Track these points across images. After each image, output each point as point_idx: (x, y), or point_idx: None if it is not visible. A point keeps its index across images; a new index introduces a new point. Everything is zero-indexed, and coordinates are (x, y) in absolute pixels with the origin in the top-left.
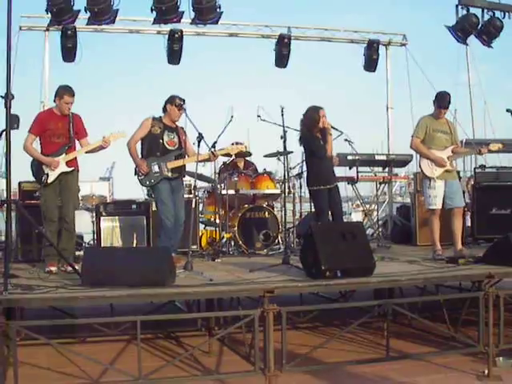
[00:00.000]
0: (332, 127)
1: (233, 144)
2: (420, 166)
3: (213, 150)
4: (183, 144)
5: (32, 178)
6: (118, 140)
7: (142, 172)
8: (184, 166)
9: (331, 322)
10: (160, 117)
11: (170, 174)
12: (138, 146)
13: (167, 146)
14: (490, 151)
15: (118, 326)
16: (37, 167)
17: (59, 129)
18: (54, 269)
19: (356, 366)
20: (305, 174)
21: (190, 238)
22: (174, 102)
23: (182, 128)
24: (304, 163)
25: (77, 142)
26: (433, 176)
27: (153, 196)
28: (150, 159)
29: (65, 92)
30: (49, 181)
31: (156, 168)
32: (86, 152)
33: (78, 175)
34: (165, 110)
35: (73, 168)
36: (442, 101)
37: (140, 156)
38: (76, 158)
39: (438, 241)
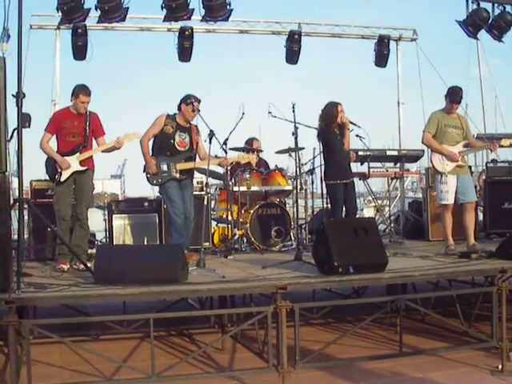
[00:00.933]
0: (350, 122)
1: (248, 141)
2: (431, 161)
3: (223, 153)
4: (194, 145)
5: (43, 177)
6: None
7: (150, 171)
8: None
9: (344, 318)
10: (174, 114)
11: (178, 176)
12: (150, 142)
13: (178, 146)
14: (501, 147)
15: (131, 323)
16: (51, 165)
17: (75, 127)
18: (65, 267)
19: (369, 362)
20: (316, 170)
21: (202, 235)
22: (189, 103)
23: (196, 126)
24: (315, 159)
25: (94, 140)
26: (444, 171)
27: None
28: (160, 158)
29: (80, 91)
30: (62, 179)
31: (165, 168)
32: (101, 152)
33: (92, 174)
34: (179, 108)
35: (86, 167)
36: (455, 96)
37: (151, 152)
38: (92, 157)
39: (450, 236)
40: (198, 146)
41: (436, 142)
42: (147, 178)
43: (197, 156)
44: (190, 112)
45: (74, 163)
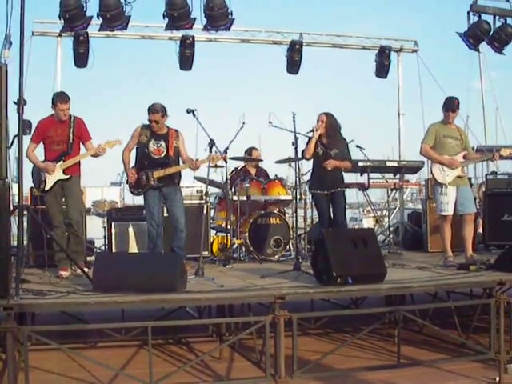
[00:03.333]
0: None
1: (248, 150)
2: (431, 172)
3: (223, 162)
4: (171, 151)
5: None
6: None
7: (129, 181)
8: (175, 173)
9: (342, 328)
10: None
11: (155, 184)
12: (134, 153)
13: (152, 155)
14: (501, 157)
15: (129, 331)
16: (36, 174)
17: (59, 135)
18: (64, 273)
19: (367, 373)
20: None
21: (201, 243)
22: (148, 114)
23: (176, 131)
24: None
25: (82, 145)
26: (445, 182)
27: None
28: (139, 168)
29: (58, 99)
30: (46, 188)
31: (143, 177)
32: (82, 159)
33: (78, 180)
34: None
35: (69, 175)
36: (450, 104)
37: (133, 164)
38: (79, 163)
39: (449, 247)
40: (180, 150)
41: (434, 152)
42: (129, 188)
43: (179, 161)
44: (150, 123)
45: (57, 171)
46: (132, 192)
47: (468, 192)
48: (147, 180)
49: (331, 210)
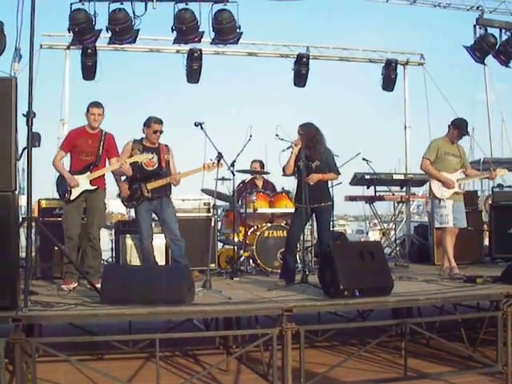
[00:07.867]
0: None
1: (253, 162)
2: (430, 187)
3: (231, 175)
4: (163, 163)
5: (51, 195)
6: None
7: (122, 195)
8: (167, 184)
9: (349, 340)
10: (142, 138)
11: (149, 195)
12: None
13: (145, 166)
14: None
15: (136, 343)
16: (62, 183)
17: (89, 146)
18: (69, 287)
19: None
20: None
21: (208, 256)
22: (149, 126)
23: (167, 146)
24: None
25: (107, 160)
26: (442, 197)
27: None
28: (133, 182)
29: (90, 105)
30: (71, 198)
31: (137, 190)
32: (110, 172)
33: (104, 194)
34: (143, 132)
35: (96, 187)
36: (464, 128)
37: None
38: (103, 176)
39: (452, 257)
40: (170, 164)
41: (434, 168)
42: (122, 202)
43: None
44: (152, 134)
45: (84, 182)
46: (126, 205)
47: (462, 208)
48: (141, 192)
49: (316, 226)
